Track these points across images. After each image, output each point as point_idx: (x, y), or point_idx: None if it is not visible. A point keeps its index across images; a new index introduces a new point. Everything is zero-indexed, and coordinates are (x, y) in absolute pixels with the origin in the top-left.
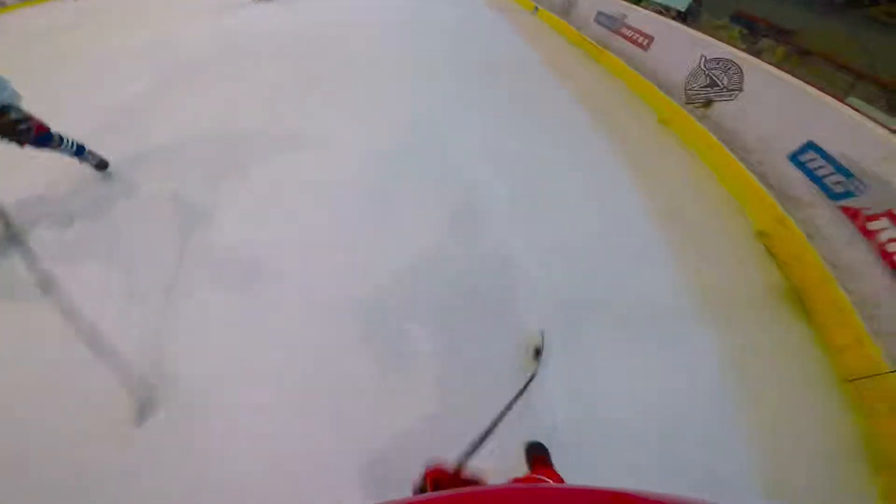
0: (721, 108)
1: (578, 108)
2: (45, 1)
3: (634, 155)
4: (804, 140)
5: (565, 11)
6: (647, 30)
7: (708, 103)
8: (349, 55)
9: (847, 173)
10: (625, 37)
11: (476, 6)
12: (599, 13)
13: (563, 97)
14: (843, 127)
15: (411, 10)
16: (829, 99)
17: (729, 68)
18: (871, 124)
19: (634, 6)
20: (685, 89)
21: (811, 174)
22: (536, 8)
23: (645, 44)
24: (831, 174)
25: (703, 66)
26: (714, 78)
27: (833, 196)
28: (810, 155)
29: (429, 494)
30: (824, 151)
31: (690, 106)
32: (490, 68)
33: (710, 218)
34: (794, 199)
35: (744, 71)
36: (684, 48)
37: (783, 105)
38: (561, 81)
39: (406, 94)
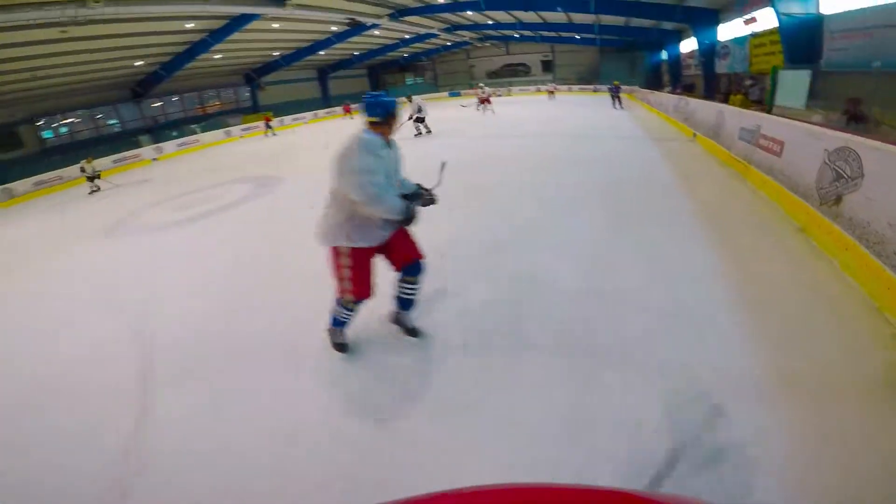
0: (850, 201)
1: (712, 226)
2: None
3: (760, 272)
4: None
5: (715, 133)
6: (779, 135)
7: (838, 199)
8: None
9: None
10: (762, 147)
11: (638, 138)
12: (741, 129)
13: (692, 214)
14: None
15: (577, 145)
16: None
17: (848, 156)
18: None
19: (766, 115)
20: (817, 189)
21: None
22: (695, 134)
23: (778, 150)
24: None
25: (827, 161)
26: (839, 170)
27: None
28: None
29: (429, 494)
30: None
31: (825, 206)
32: (639, 192)
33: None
34: None
35: (860, 154)
36: (810, 146)
37: None
38: (691, 198)
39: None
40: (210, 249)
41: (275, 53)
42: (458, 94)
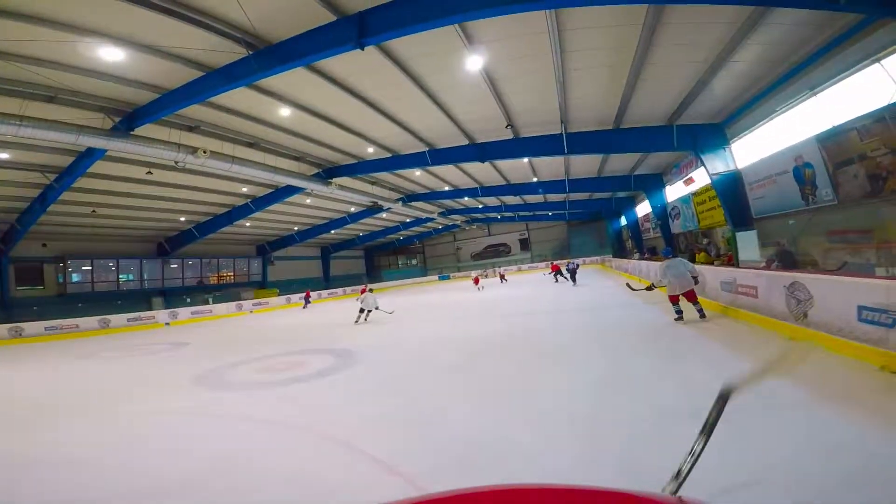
0: (812, 314)
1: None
2: None
3: None
4: None
5: (700, 290)
6: (751, 283)
7: (805, 314)
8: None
9: None
10: (741, 293)
11: (636, 304)
12: (722, 282)
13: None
14: None
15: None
16: None
17: (797, 287)
18: None
19: (738, 269)
20: (791, 312)
21: None
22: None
23: (753, 293)
24: None
25: (788, 293)
26: (797, 297)
27: None
28: None
29: (430, 494)
30: None
31: (799, 320)
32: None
33: None
34: None
35: (805, 284)
36: (775, 286)
37: None
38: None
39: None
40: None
41: (294, 228)
42: (447, 278)
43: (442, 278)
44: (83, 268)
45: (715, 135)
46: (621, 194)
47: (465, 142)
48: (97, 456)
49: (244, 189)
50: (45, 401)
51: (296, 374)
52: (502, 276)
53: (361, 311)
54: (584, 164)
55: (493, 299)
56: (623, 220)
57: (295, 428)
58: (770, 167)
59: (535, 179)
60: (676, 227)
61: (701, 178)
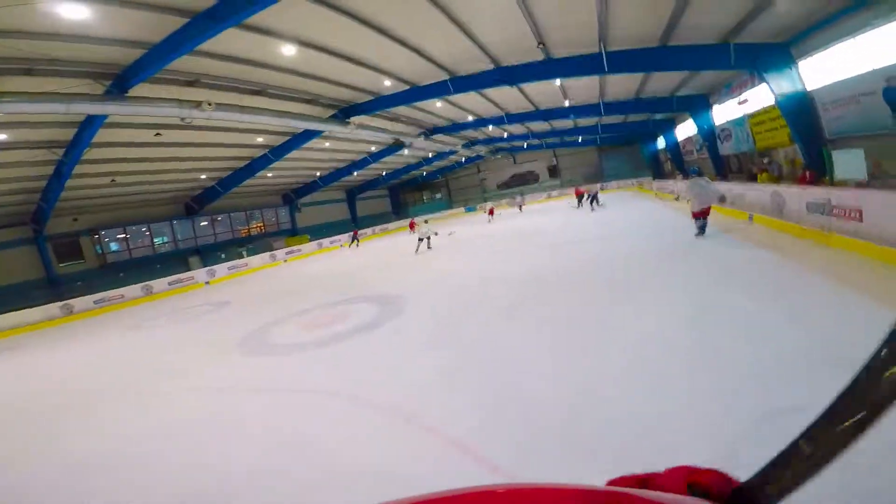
0: None
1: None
2: None
3: None
4: None
5: (778, 212)
6: (854, 204)
7: None
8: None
9: None
10: (839, 216)
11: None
12: (809, 203)
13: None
14: None
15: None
16: None
17: None
18: None
19: (835, 189)
20: None
21: None
22: (751, 216)
23: (857, 216)
24: None
25: None
26: None
27: None
28: None
29: (430, 494)
30: None
31: None
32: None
33: None
34: None
35: None
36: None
37: None
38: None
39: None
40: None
41: (316, 174)
42: (473, 209)
43: (468, 210)
44: (118, 236)
45: (779, 54)
46: (659, 116)
47: (490, 66)
48: (145, 451)
49: (260, 139)
50: (92, 385)
51: (341, 328)
52: (520, 206)
53: (420, 240)
54: (621, 86)
55: (521, 229)
56: (661, 143)
57: (356, 402)
58: (853, 87)
59: (566, 104)
60: (726, 148)
61: (758, 98)
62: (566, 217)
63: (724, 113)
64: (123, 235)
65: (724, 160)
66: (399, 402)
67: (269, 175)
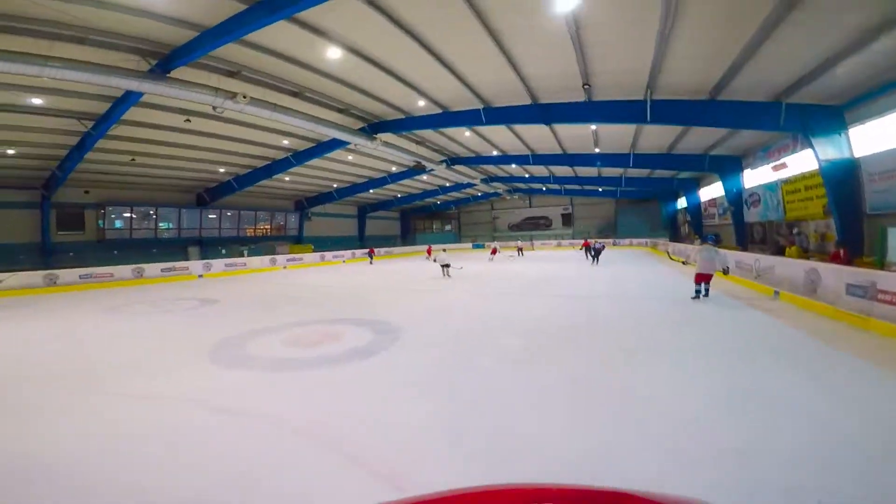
0: None
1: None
2: None
3: None
4: None
5: (811, 290)
6: None
7: None
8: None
9: None
10: (883, 301)
11: (717, 299)
12: (849, 285)
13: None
14: None
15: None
16: None
17: None
18: None
19: (880, 271)
20: None
21: None
22: (776, 292)
23: None
24: None
25: None
26: None
27: None
28: None
29: (430, 494)
30: None
31: None
32: (752, 354)
33: None
34: None
35: None
36: None
37: None
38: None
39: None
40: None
41: (333, 185)
42: (481, 246)
43: (476, 246)
44: (124, 214)
45: (831, 117)
46: (685, 175)
47: (528, 101)
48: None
49: (285, 142)
50: (30, 369)
51: (328, 350)
52: (520, 250)
53: (444, 266)
54: (656, 138)
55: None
56: (682, 203)
57: (323, 443)
58: None
59: (596, 150)
60: (753, 215)
61: (796, 164)
62: (576, 268)
63: (755, 177)
64: (129, 215)
65: (747, 228)
66: (385, 458)
67: (287, 179)
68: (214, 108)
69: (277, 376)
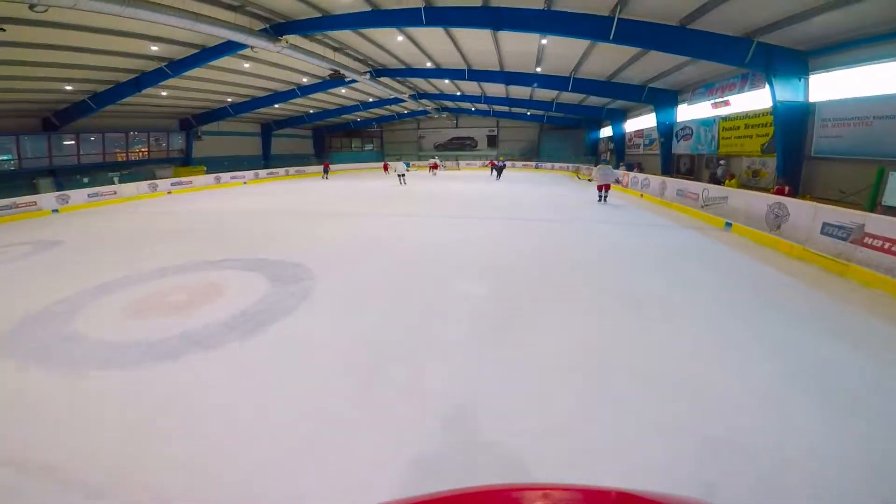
0: None
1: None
2: None
3: None
4: None
5: (774, 226)
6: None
7: None
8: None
9: None
10: (870, 247)
11: (665, 226)
12: (826, 224)
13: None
14: None
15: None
16: None
17: None
18: None
19: (869, 214)
20: None
21: None
22: (728, 224)
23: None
24: None
25: None
26: None
27: None
28: None
29: (430, 494)
30: None
31: None
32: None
33: None
34: None
35: None
36: None
37: None
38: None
39: None
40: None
41: (227, 99)
42: (407, 166)
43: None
44: None
45: (795, 62)
46: (615, 105)
47: (478, 2)
48: None
49: (155, 48)
50: None
51: (195, 319)
52: (432, 168)
53: (400, 176)
54: (601, 64)
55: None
56: (606, 132)
57: None
58: (868, 109)
59: (537, 70)
60: (682, 147)
61: (740, 103)
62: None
63: (690, 112)
64: None
65: (673, 158)
66: None
67: (164, 94)
68: (33, 6)
69: (95, 382)
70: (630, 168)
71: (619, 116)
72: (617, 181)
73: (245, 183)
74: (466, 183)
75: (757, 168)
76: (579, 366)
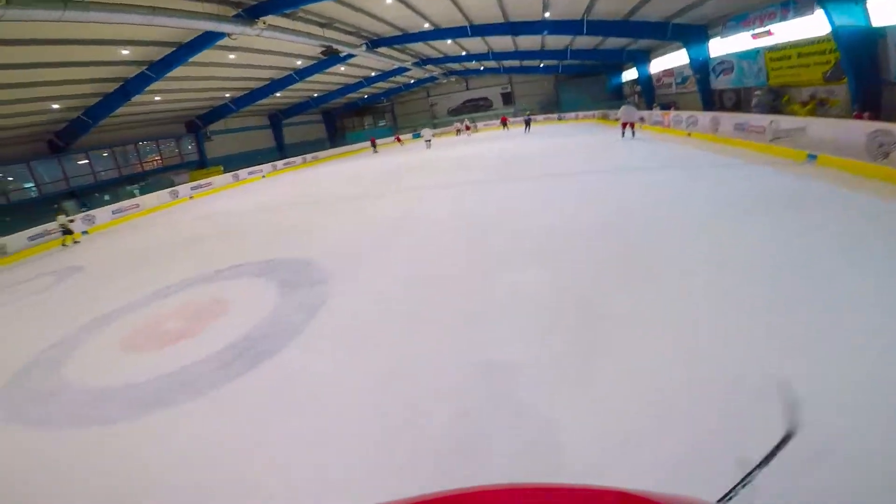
0: None
1: None
2: None
3: None
4: None
5: (880, 155)
6: None
7: None
8: None
9: None
10: None
11: (737, 165)
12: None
13: None
14: None
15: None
16: None
17: None
18: None
19: None
20: None
21: None
22: (812, 156)
23: None
24: None
25: None
26: None
27: None
28: None
29: (431, 494)
30: None
31: None
32: None
33: None
34: None
35: None
36: None
37: None
38: None
39: None
40: None
41: (226, 95)
42: (419, 136)
43: (416, 136)
44: None
45: None
46: (635, 47)
47: None
48: None
49: (125, 52)
50: None
51: (190, 350)
52: (466, 129)
53: (427, 141)
54: (616, 2)
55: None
56: (630, 75)
57: None
58: None
59: (546, 15)
60: (722, 82)
61: (784, 32)
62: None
63: (724, 46)
64: None
65: (715, 94)
66: None
67: (157, 99)
68: None
69: (68, 449)
70: (666, 108)
71: (642, 58)
72: (641, 119)
73: (264, 176)
74: (501, 142)
75: (823, 97)
76: None
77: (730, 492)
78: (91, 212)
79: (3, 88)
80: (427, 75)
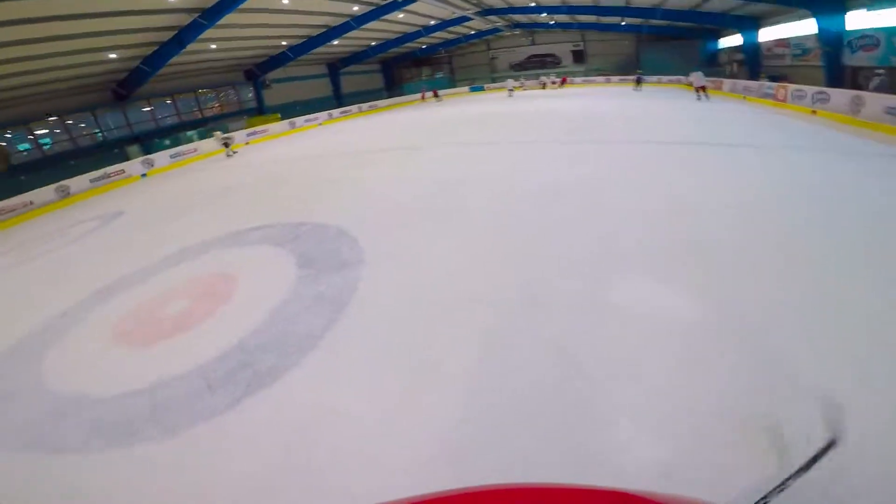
0: None
1: None
2: None
3: None
4: None
5: None
6: None
7: None
8: None
9: None
10: None
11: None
12: None
13: None
14: None
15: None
16: None
17: None
18: None
19: None
20: None
21: None
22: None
23: None
24: None
25: None
26: None
27: None
28: None
29: (432, 493)
30: None
31: None
32: None
33: None
34: None
35: None
36: None
37: None
38: None
39: None
40: None
41: (283, 43)
42: (481, 89)
43: (474, 89)
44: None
45: None
46: (744, 12)
47: None
48: None
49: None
50: None
51: (178, 356)
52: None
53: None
54: None
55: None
56: (730, 41)
57: None
58: None
59: None
60: (861, 59)
61: None
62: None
63: (869, 19)
64: (44, 130)
65: (847, 71)
66: None
67: (213, 47)
68: None
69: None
70: (775, 79)
71: (749, 24)
72: (703, 87)
73: (320, 124)
74: (597, 99)
75: None
76: None
77: (766, 496)
78: (150, 156)
79: (59, 40)
80: (489, 27)
